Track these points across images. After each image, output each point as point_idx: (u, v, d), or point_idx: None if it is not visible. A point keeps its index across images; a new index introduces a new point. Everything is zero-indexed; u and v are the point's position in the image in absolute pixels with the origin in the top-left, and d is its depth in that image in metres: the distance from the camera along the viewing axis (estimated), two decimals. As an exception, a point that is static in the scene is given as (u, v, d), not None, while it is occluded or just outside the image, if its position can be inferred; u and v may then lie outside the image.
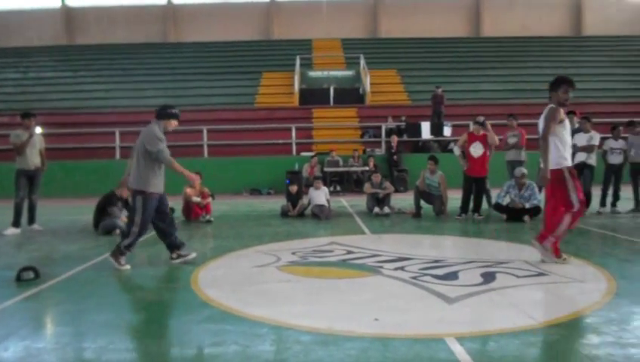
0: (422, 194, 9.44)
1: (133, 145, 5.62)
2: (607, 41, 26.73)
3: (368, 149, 16.48)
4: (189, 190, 9.06)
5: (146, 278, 5.22)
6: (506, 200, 8.63)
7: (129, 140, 16.14)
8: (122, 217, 7.98)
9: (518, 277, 4.75)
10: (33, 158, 8.38)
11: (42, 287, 4.68)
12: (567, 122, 5.17)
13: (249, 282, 4.78)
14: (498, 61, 23.77)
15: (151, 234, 6.03)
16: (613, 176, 9.34)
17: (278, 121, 17.56)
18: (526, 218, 8.34)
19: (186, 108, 14.54)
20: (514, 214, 8.42)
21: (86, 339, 3.43)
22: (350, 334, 3.32)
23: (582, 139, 8.80)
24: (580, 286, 4.49)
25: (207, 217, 9.15)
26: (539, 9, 28.77)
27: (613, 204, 9.28)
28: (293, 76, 21.15)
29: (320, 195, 9.44)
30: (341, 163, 15.13)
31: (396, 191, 11.72)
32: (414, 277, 4.76)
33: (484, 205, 9.27)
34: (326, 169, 14.71)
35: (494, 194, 9.15)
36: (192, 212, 9.13)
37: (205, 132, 15.88)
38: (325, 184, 11.83)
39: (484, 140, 8.85)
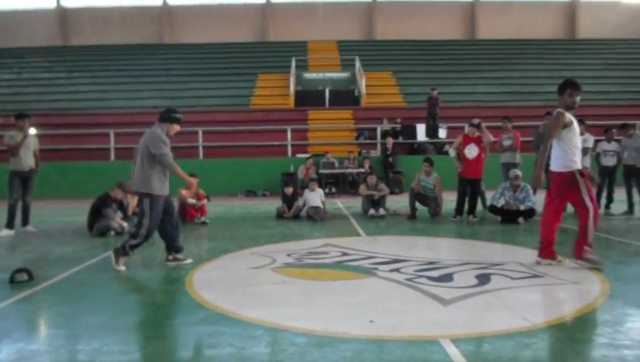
0: (417, 196, 9.46)
1: (136, 147, 5.59)
2: (601, 44, 26.91)
3: (364, 151, 16.49)
4: (184, 191, 9.04)
5: (141, 280, 5.21)
6: (500, 202, 8.66)
7: (124, 142, 16.11)
8: (117, 219, 7.96)
9: (512, 279, 4.76)
10: (27, 159, 8.33)
11: (36, 289, 4.66)
12: (575, 125, 5.13)
13: (244, 284, 4.77)
14: (493, 64, 23.87)
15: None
16: (606, 178, 9.39)
17: (273, 123, 17.56)
18: (520, 220, 8.37)
19: (181, 109, 14.36)
20: (509, 216, 8.45)
21: (80, 342, 3.42)
22: (345, 336, 3.32)
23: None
24: (574, 288, 4.51)
25: (203, 219, 9.14)
26: (534, 12, 28.93)
27: (607, 206, 9.33)
28: (289, 78, 21.16)
29: (315, 197, 9.45)
30: (336, 165, 15.13)
31: (391, 192, 11.74)
32: (409, 279, 4.76)
33: (479, 207, 9.31)
34: (321, 171, 14.72)
35: (489, 196, 9.18)
36: (187, 213, 9.10)
37: (201, 133, 15.86)
38: (320, 186, 11.85)
39: (479, 142, 8.88)
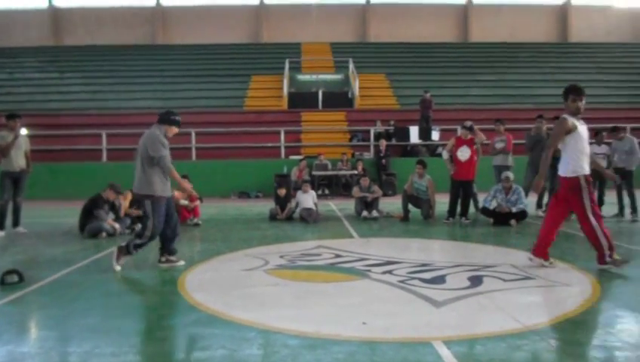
0: (410, 198, 9.48)
1: (136, 148, 5.58)
2: (592, 47, 27.15)
3: (357, 153, 16.50)
4: (176, 193, 8.99)
5: (133, 282, 5.18)
6: (493, 205, 8.70)
7: (116, 143, 16.05)
8: (109, 220, 7.92)
9: (504, 280, 4.78)
10: (18, 160, 8.27)
11: (26, 291, 4.62)
12: (580, 130, 5.12)
13: (237, 286, 4.76)
14: (486, 66, 23.98)
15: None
16: (597, 181, 9.45)
17: (266, 125, 17.54)
18: (513, 222, 8.42)
19: (174, 110, 14.44)
20: (501, 218, 8.49)
21: (71, 344, 3.40)
22: (338, 338, 3.32)
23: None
24: (566, 289, 4.53)
25: (195, 220, 9.11)
26: (526, 15, 29.12)
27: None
28: (283, 79, 21.14)
29: (307, 199, 9.44)
30: (330, 166, 15.14)
31: (384, 194, 11.75)
32: (402, 281, 4.77)
33: (472, 209, 9.35)
34: (314, 172, 14.72)
35: (481, 198, 9.22)
36: (179, 215, 9.04)
37: (194, 135, 15.81)
38: (314, 187, 11.85)
39: (471, 144, 8.93)
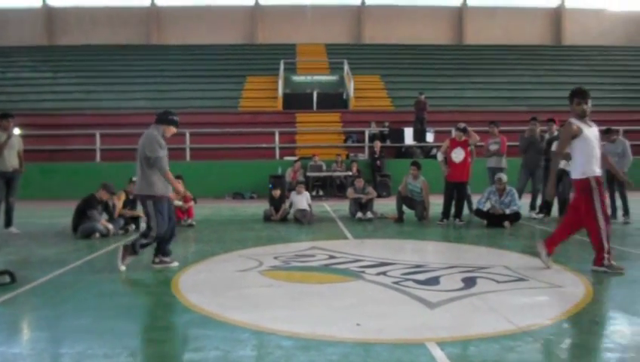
0: (404, 200, 9.50)
1: (137, 149, 5.59)
2: (586, 50, 27.32)
3: (351, 154, 16.53)
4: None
5: (126, 282, 5.16)
6: (486, 206, 8.72)
7: (110, 143, 16.00)
8: (102, 221, 7.88)
9: (498, 282, 4.80)
10: (11, 160, 8.23)
11: (19, 292, 4.59)
12: (586, 133, 5.14)
13: (231, 287, 4.75)
14: (480, 69, 24.09)
15: (130, 238, 5.96)
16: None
17: (261, 125, 17.53)
18: (506, 224, 8.45)
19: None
20: (494, 220, 8.52)
21: (63, 345, 3.38)
22: (332, 339, 3.32)
23: (561, 147, 8.93)
24: (559, 291, 4.55)
25: (189, 221, 9.08)
26: (520, 18, 29.27)
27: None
28: (277, 80, 21.14)
29: (301, 200, 9.44)
30: (324, 167, 15.14)
31: (379, 196, 11.77)
32: (396, 282, 4.78)
33: (465, 211, 9.37)
34: (309, 173, 14.71)
35: (475, 200, 9.25)
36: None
37: (188, 135, 15.78)
38: (308, 189, 11.85)
39: (465, 146, 8.96)
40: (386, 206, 10.92)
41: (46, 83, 22.26)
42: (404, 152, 16.58)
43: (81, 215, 7.82)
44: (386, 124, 17.60)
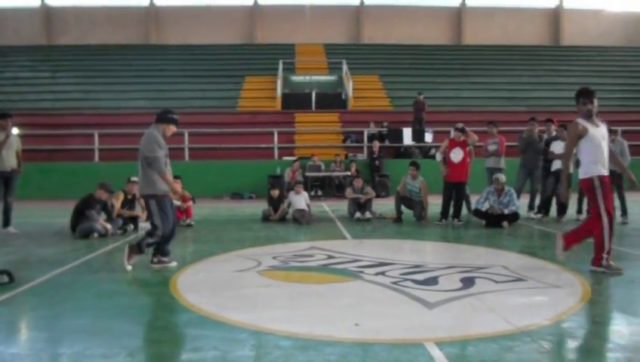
0: (403, 200, 9.50)
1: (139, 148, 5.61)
2: (584, 51, 27.34)
3: (350, 154, 16.51)
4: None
5: (124, 282, 5.15)
6: (485, 206, 8.73)
7: (108, 142, 15.97)
8: (100, 221, 7.87)
9: (496, 282, 4.80)
10: (9, 160, 8.22)
11: (17, 291, 4.59)
12: (592, 132, 5.15)
13: (229, 287, 4.75)
14: (479, 69, 24.09)
15: (128, 238, 5.95)
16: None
17: (260, 125, 17.51)
18: (505, 224, 8.45)
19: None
20: (493, 220, 8.52)
21: (61, 345, 3.37)
22: (330, 339, 3.32)
23: (559, 147, 8.95)
24: (556, 291, 4.55)
25: (188, 221, 9.07)
26: (519, 19, 29.29)
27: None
28: (276, 80, 21.13)
29: (300, 200, 9.44)
30: (323, 168, 15.13)
31: (377, 196, 11.76)
32: (395, 283, 4.78)
33: (464, 211, 9.38)
34: (308, 173, 14.70)
35: (474, 200, 9.26)
36: (172, 216, 9.03)
37: (187, 135, 15.75)
38: (307, 189, 11.85)
39: (464, 146, 8.96)
40: (384, 206, 10.92)
41: (44, 83, 22.22)
42: (403, 152, 16.58)
43: (80, 215, 7.81)
44: (385, 124, 17.60)
